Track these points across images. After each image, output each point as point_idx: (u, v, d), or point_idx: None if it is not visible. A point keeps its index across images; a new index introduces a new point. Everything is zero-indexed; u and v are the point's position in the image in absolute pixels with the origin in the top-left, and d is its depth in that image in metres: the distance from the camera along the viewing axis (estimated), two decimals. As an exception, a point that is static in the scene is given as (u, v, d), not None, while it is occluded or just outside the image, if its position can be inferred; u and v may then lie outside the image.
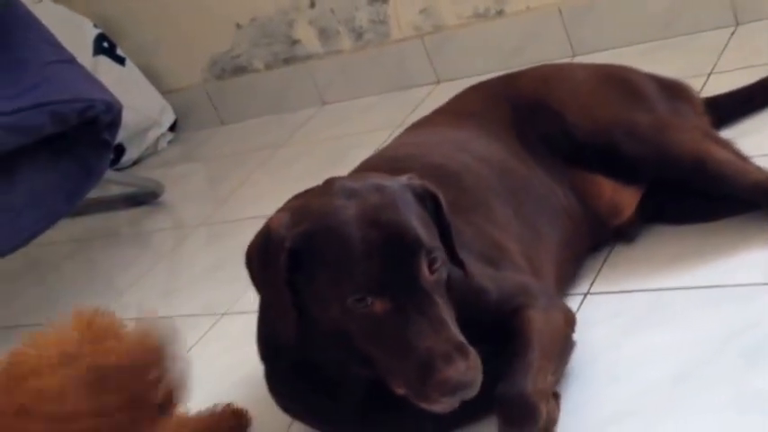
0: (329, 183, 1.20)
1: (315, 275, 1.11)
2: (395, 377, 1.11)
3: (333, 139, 2.39)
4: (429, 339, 1.07)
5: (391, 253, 1.09)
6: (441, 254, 1.13)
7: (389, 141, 1.82)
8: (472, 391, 1.08)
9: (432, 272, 1.11)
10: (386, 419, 1.22)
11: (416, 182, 1.18)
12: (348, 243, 1.09)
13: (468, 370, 1.07)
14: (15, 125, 1.88)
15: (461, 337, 1.10)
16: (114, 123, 2.04)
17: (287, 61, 2.61)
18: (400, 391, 1.12)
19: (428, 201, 1.18)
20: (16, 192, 1.94)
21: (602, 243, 1.49)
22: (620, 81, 1.51)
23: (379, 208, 1.12)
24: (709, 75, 1.86)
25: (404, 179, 1.18)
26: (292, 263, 1.11)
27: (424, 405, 1.10)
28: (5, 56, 1.99)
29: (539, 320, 1.22)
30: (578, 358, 1.27)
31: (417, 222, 1.12)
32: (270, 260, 1.13)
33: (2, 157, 1.89)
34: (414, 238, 1.10)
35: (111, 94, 2.06)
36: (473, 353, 1.09)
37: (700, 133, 1.44)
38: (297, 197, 1.23)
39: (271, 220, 1.17)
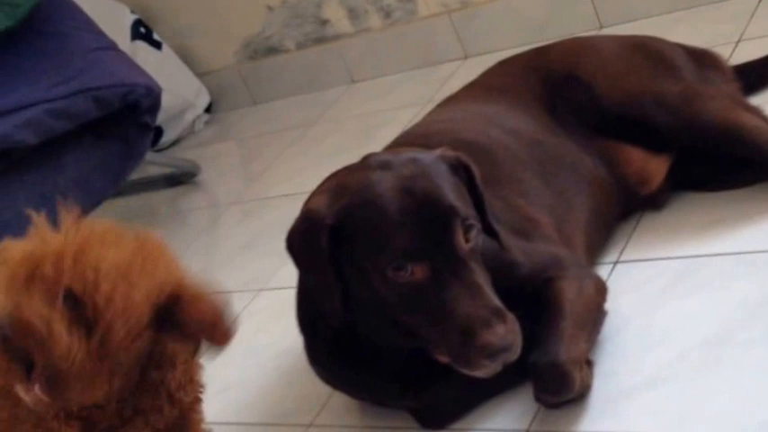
0: (365, 158, 1.20)
1: (355, 248, 1.12)
2: (436, 344, 1.12)
3: (363, 117, 2.38)
4: (468, 305, 1.07)
5: (428, 220, 1.09)
6: (476, 223, 1.13)
7: (419, 117, 1.81)
8: (512, 355, 1.09)
9: (467, 240, 1.11)
10: (425, 389, 1.23)
11: (450, 154, 1.19)
12: (385, 213, 1.10)
13: (508, 333, 1.07)
14: (62, 111, 1.91)
15: (499, 302, 1.10)
16: (154, 106, 2.06)
17: (317, 41, 2.61)
18: (443, 358, 1.12)
19: (461, 172, 1.18)
20: (64, 175, 1.98)
21: (632, 211, 1.48)
22: (648, 51, 1.49)
23: (414, 178, 1.12)
24: (738, 42, 1.82)
25: (437, 152, 1.19)
26: (333, 240, 1.12)
27: (466, 370, 1.10)
28: (50, 44, 2.02)
29: (570, 290, 1.21)
30: (610, 326, 1.27)
31: (452, 191, 1.13)
32: (312, 241, 1.13)
33: (50, 143, 1.93)
34: (449, 205, 1.11)
35: (151, 79, 2.08)
36: (511, 317, 1.09)
37: (729, 101, 1.42)
38: (332, 176, 1.23)
39: (309, 202, 1.18)
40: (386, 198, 1.10)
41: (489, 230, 1.19)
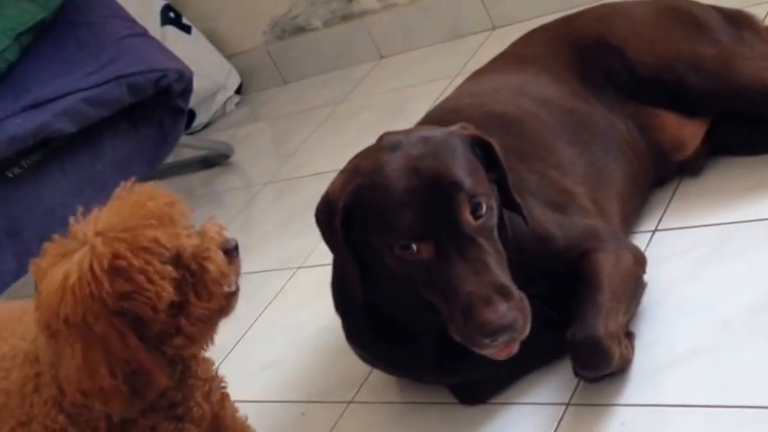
0: (380, 139, 1.19)
1: (366, 229, 1.11)
2: (447, 321, 1.09)
3: (392, 92, 2.35)
4: (470, 283, 1.05)
5: (431, 199, 1.07)
6: (486, 200, 1.09)
7: (449, 90, 1.77)
8: (517, 333, 1.05)
9: (476, 217, 1.08)
10: (461, 364, 1.20)
11: (466, 131, 1.15)
12: (390, 194, 1.08)
13: (509, 311, 1.03)
14: (97, 99, 1.91)
15: (505, 280, 1.07)
16: (186, 90, 2.06)
17: (344, 18, 2.57)
18: (455, 336, 1.10)
19: (477, 148, 1.14)
20: (102, 161, 1.99)
21: (668, 178, 1.43)
22: (680, 13, 1.43)
23: (420, 157, 1.10)
24: (773, 1, 1.75)
25: (453, 128, 1.15)
26: (347, 221, 1.12)
27: (474, 349, 1.08)
28: (83, 34, 2.02)
29: (608, 262, 1.17)
30: (650, 296, 1.23)
31: (460, 168, 1.09)
32: (330, 222, 1.14)
33: (88, 130, 1.93)
34: (452, 181, 1.08)
35: (183, 63, 2.07)
36: (517, 295, 1.06)
37: (766, 61, 1.36)
38: (354, 157, 1.21)
39: (329, 186, 1.18)
40: (392, 179, 1.09)
41: (512, 205, 1.15)
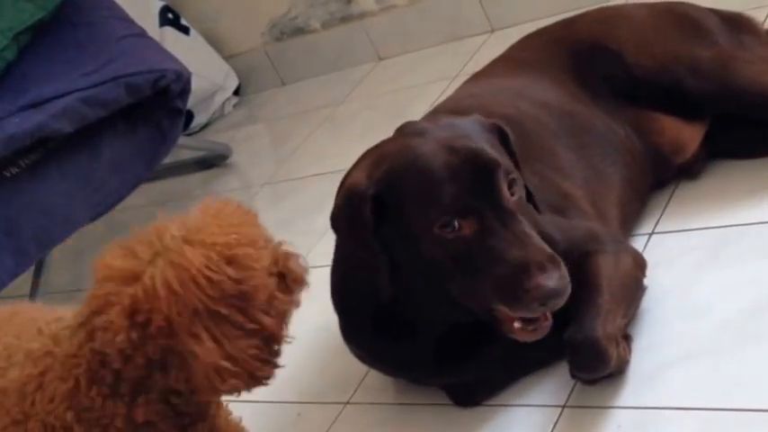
0: (400, 128, 1.19)
1: (401, 213, 1.11)
2: (487, 297, 1.08)
3: (391, 94, 2.35)
4: (521, 250, 1.06)
5: (472, 175, 1.08)
6: (518, 176, 1.12)
7: (447, 92, 1.77)
8: (562, 300, 1.06)
9: (512, 193, 1.10)
10: (460, 364, 1.20)
11: (484, 119, 1.18)
12: (429, 171, 1.09)
13: (561, 278, 1.05)
14: (95, 99, 1.91)
15: (550, 250, 1.08)
16: (184, 91, 2.06)
17: (343, 19, 2.57)
18: (498, 305, 1.08)
19: (497, 135, 1.17)
20: (100, 162, 1.98)
21: (667, 181, 1.43)
22: (679, 16, 1.43)
23: (453, 138, 1.12)
24: (772, 5, 1.75)
25: (472, 116, 1.18)
26: (377, 210, 1.11)
27: (516, 312, 1.08)
28: (81, 34, 2.02)
29: (607, 265, 1.17)
30: (648, 298, 1.23)
31: (492, 148, 1.12)
32: (356, 216, 1.12)
33: (86, 131, 1.93)
34: (491, 158, 1.10)
35: (181, 64, 2.07)
36: (563, 264, 1.07)
37: (766, 64, 1.36)
38: (367, 153, 1.21)
39: (348, 179, 1.17)
40: (428, 157, 1.09)
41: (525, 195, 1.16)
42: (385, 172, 1.11)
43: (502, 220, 1.07)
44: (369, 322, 1.24)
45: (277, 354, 1.00)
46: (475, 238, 1.07)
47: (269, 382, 1.01)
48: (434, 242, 1.09)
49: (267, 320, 0.97)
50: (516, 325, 1.11)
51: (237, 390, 0.97)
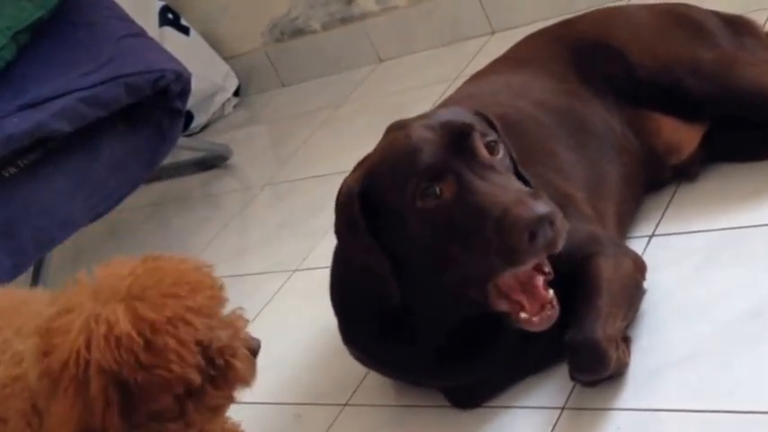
0: (387, 128, 1.21)
1: (386, 201, 1.11)
2: (481, 257, 1.07)
3: (391, 95, 2.35)
4: (498, 196, 1.05)
5: (445, 139, 1.09)
6: (501, 144, 1.13)
7: (448, 94, 1.78)
8: (554, 230, 1.04)
9: (492, 153, 1.11)
10: (460, 366, 1.21)
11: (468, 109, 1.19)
12: (403, 149, 1.10)
13: (543, 204, 1.04)
14: (94, 99, 1.91)
15: (531, 189, 1.07)
16: (184, 91, 2.06)
17: (343, 21, 2.57)
18: (495, 264, 1.06)
19: (483, 120, 1.18)
20: (100, 162, 1.98)
21: (663, 182, 1.43)
22: (681, 18, 1.44)
23: (431, 117, 1.14)
24: (773, 8, 1.76)
25: (456, 107, 1.21)
26: (368, 208, 1.12)
27: (516, 264, 1.06)
28: (81, 33, 2.02)
29: (607, 268, 1.18)
30: (647, 301, 1.23)
31: (470, 117, 1.13)
32: (350, 218, 1.13)
33: (86, 131, 1.93)
34: (464, 123, 1.11)
35: (180, 64, 2.07)
36: (545, 196, 1.06)
37: (766, 66, 1.36)
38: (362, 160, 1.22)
39: (342, 186, 1.18)
40: (402, 139, 1.12)
41: (520, 177, 1.17)
42: (367, 168, 1.13)
43: (480, 174, 1.07)
44: (368, 324, 1.25)
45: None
46: (456, 200, 1.07)
47: None
48: (420, 217, 1.08)
49: (173, 426, 0.92)
50: (523, 315, 1.10)
51: None
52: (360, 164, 1.20)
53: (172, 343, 0.90)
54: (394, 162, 1.11)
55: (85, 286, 0.96)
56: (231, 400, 0.98)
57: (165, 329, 0.90)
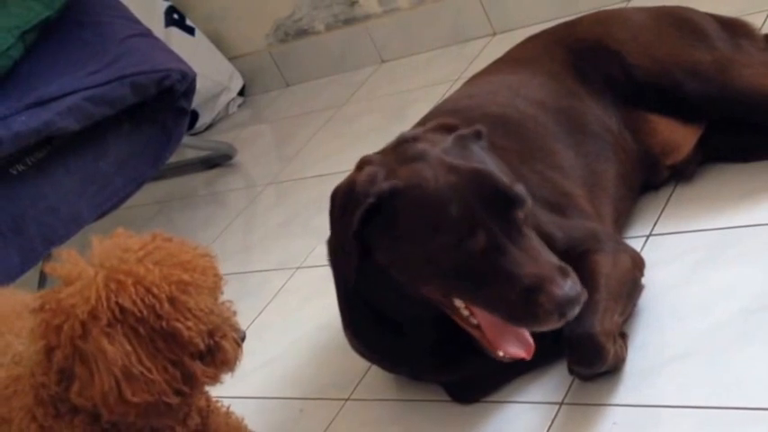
0: (400, 143, 1.20)
1: (400, 231, 1.12)
2: (495, 310, 1.10)
3: (393, 96, 2.36)
4: (531, 266, 1.07)
5: (481, 196, 1.10)
6: (527, 196, 1.13)
7: (448, 95, 1.79)
8: (579, 307, 1.08)
9: (523, 213, 1.12)
10: (457, 361, 1.22)
11: (467, 131, 1.19)
12: (439, 195, 1.10)
13: (575, 285, 1.07)
14: (101, 97, 1.92)
15: (559, 261, 1.10)
16: (189, 91, 2.07)
17: (346, 22, 2.58)
18: (512, 322, 1.10)
19: (485, 140, 1.19)
20: (106, 160, 1.99)
21: (660, 182, 1.44)
22: (678, 20, 1.45)
23: (458, 160, 1.13)
24: (770, 11, 1.77)
25: (457, 134, 1.18)
26: (370, 217, 1.13)
27: (531, 326, 1.09)
28: (88, 33, 2.03)
29: (606, 264, 1.19)
30: (644, 298, 1.24)
31: (502, 172, 1.14)
32: (348, 209, 1.14)
33: (92, 129, 1.94)
34: (513, 192, 1.11)
35: (186, 64, 2.08)
36: (573, 272, 1.09)
37: (764, 68, 1.37)
38: (372, 157, 1.21)
39: (359, 173, 1.18)
40: (433, 182, 1.11)
41: None
42: (389, 188, 1.12)
43: (510, 236, 1.09)
44: (369, 316, 1.26)
45: (191, 395, 0.97)
46: (484, 256, 1.09)
47: (176, 416, 0.98)
48: (436, 260, 1.10)
49: (189, 363, 0.95)
50: (500, 354, 1.13)
51: (146, 413, 0.94)
52: (370, 161, 1.19)
53: (191, 303, 0.94)
54: (424, 205, 1.10)
55: (78, 260, 0.98)
56: (216, 380, 1.01)
57: (187, 290, 0.95)
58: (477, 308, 1.13)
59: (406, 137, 1.21)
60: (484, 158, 1.15)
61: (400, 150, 1.18)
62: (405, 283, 1.15)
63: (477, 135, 1.19)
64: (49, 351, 0.95)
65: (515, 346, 1.12)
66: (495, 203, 1.10)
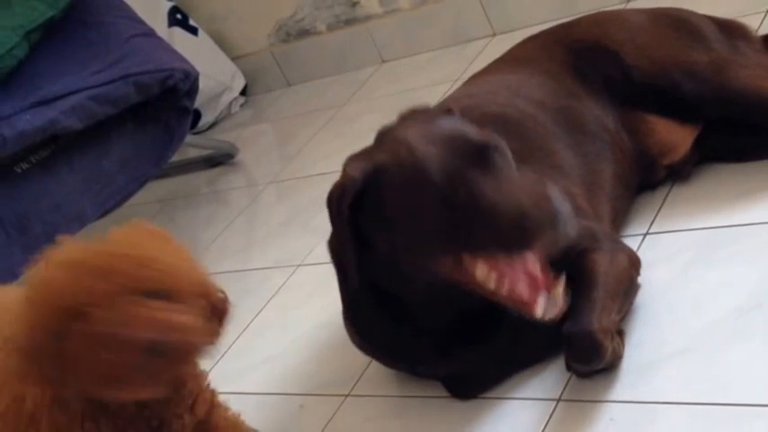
0: (379, 135, 1.21)
1: (390, 209, 1.12)
2: (495, 249, 1.09)
3: (393, 96, 2.37)
4: (513, 195, 1.07)
5: (457, 153, 1.11)
6: (496, 138, 1.15)
7: (449, 95, 1.79)
8: (569, 217, 1.06)
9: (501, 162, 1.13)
10: (462, 356, 1.22)
11: (438, 109, 1.21)
12: (418, 163, 1.11)
13: (560, 197, 1.06)
14: (104, 96, 1.93)
15: (546, 185, 1.09)
16: (192, 90, 2.07)
17: (348, 22, 2.59)
18: (505, 250, 1.09)
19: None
20: (109, 159, 2.00)
21: (658, 181, 1.45)
22: (676, 21, 1.45)
23: (432, 131, 1.14)
24: (767, 12, 1.77)
25: (437, 112, 1.21)
26: (360, 204, 1.13)
27: (527, 247, 1.08)
28: (92, 32, 2.04)
29: (603, 262, 1.20)
30: (641, 296, 1.25)
31: (463, 124, 1.15)
32: (339, 205, 1.15)
33: (96, 128, 1.95)
34: (470, 134, 1.13)
35: (189, 63, 2.09)
36: (552, 185, 1.09)
37: (760, 69, 1.38)
38: (355, 154, 1.22)
39: (345, 171, 1.19)
40: (411, 152, 1.12)
41: None
42: (372, 168, 1.13)
43: (490, 178, 1.10)
44: (369, 310, 1.26)
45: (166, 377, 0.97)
46: (466, 203, 1.09)
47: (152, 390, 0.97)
48: (426, 226, 1.10)
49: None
50: (538, 311, 1.11)
51: (131, 392, 0.94)
52: (356, 157, 1.20)
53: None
54: (402, 175, 1.11)
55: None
56: (217, 336, 1.01)
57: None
58: (485, 260, 1.11)
59: (382, 128, 1.22)
60: (453, 123, 1.16)
61: (379, 140, 1.20)
62: (413, 268, 1.14)
63: (448, 112, 1.20)
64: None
65: (530, 289, 1.10)
66: (470, 155, 1.10)
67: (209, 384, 1.12)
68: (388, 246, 1.15)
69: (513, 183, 1.09)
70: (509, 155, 1.15)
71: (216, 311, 1.01)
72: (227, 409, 1.15)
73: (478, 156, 1.11)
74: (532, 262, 1.11)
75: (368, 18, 2.55)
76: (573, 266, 1.19)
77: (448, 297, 1.17)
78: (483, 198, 1.08)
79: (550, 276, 1.13)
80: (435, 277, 1.14)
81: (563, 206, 1.06)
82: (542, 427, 1.15)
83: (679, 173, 1.44)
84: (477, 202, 1.08)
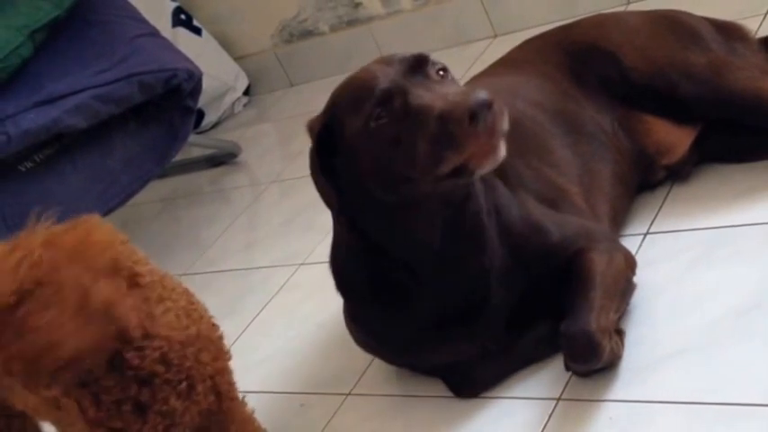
0: None
1: (344, 132, 1.13)
2: (437, 151, 1.08)
3: (396, 96, 2.37)
4: (445, 95, 1.08)
5: (396, 69, 1.12)
6: (449, 71, 1.15)
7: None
8: (491, 108, 1.05)
9: (439, 75, 1.13)
10: (457, 347, 1.22)
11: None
12: (361, 80, 1.13)
13: (480, 92, 1.06)
14: (108, 96, 1.93)
15: (476, 91, 1.08)
16: (196, 90, 2.08)
17: (350, 23, 2.59)
18: (441, 153, 1.07)
19: None
20: (113, 157, 2.00)
21: (656, 182, 1.45)
22: (674, 23, 1.45)
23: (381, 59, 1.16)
24: (766, 15, 1.77)
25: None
26: (328, 144, 1.14)
27: (461, 150, 1.06)
28: (96, 32, 2.04)
29: (600, 262, 1.19)
30: (641, 295, 1.25)
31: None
32: (310, 153, 1.16)
33: (99, 127, 1.95)
34: (418, 54, 1.14)
35: (192, 63, 2.09)
36: (479, 88, 1.08)
37: (758, 71, 1.38)
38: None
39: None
40: (360, 73, 1.15)
41: None
42: (327, 105, 1.16)
43: (423, 85, 1.11)
44: (368, 301, 1.25)
45: None
46: (403, 113, 1.09)
47: None
48: (373, 136, 1.10)
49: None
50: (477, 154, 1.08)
51: None
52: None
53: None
54: (351, 94, 1.14)
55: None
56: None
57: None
58: (437, 166, 1.09)
59: None
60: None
61: None
62: (383, 190, 1.13)
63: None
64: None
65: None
66: (408, 70, 1.12)
67: (226, 376, 1.10)
68: (357, 176, 1.14)
69: (445, 93, 1.10)
70: (450, 74, 1.16)
71: None
72: (243, 403, 1.15)
73: (414, 69, 1.13)
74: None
75: (370, 19, 2.55)
76: (570, 266, 1.19)
77: (429, 215, 1.15)
78: (418, 112, 1.08)
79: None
80: (405, 194, 1.13)
81: (481, 96, 1.05)
82: (542, 426, 1.15)
83: (678, 173, 1.44)
84: (408, 108, 1.09)
